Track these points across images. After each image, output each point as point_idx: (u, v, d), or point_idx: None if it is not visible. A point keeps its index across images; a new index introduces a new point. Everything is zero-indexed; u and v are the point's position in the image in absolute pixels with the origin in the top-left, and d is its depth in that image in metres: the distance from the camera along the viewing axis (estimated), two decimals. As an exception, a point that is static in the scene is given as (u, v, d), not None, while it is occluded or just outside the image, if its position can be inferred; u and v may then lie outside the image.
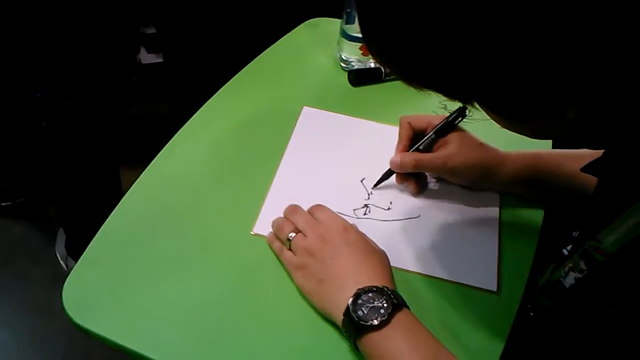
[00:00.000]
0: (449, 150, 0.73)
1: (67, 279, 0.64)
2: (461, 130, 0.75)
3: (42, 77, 1.25)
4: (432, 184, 0.78)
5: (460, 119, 0.74)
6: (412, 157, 0.74)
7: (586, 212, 0.59)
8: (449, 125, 0.74)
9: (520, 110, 0.43)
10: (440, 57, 0.41)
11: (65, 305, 0.62)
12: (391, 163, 0.75)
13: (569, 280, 0.56)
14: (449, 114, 0.76)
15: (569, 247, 0.60)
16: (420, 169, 0.75)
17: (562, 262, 0.58)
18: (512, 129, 0.47)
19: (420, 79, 0.44)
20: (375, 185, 0.77)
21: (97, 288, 0.64)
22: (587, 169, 0.54)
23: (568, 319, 0.56)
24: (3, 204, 1.70)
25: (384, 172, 0.77)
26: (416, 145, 0.75)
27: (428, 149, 0.75)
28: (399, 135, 0.77)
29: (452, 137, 0.74)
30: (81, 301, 0.63)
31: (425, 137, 0.75)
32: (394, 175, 0.77)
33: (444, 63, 0.41)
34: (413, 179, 0.76)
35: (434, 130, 0.75)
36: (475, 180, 0.75)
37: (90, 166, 1.39)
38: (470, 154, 0.73)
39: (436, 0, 0.38)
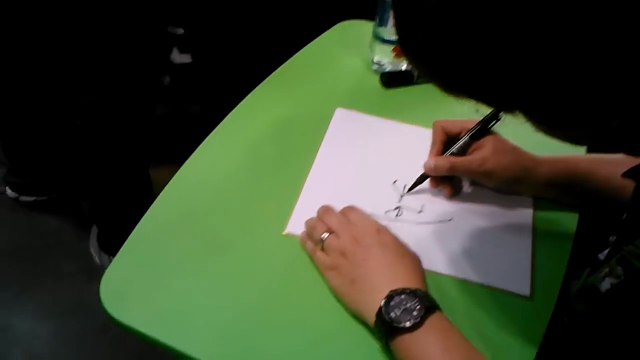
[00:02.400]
0: (484, 153, 0.73)
1: (104, 274, 0.66)
2: (495, 134, 0.75)
3: (73, 73, 1.28)
4: (466, 187, 0.78)
5: (494, 122, 0.74)
6: (446, 160, 0.74)
7: (624, 217, 0.58)
8: (483, 129, 0.74)
9: (564, 119, 0.43)
10: (483, 66, 0.40)
11: (103, 299, 0.63)
12: (425, 167, 0.75)
13: (605, 285, 0.55)
14: (481, 117, 0.75)
15: (605, 252, 0.59)
16: (455, 172, 0.75)
17: (598, 267, 0.58)
18: (552, 136, 0.47)
19: (461, 88, 0.44)
20: (409, 190, 0.77)
21: (133, 283, 0.66)
22: (628, 173, 0.54)
23: (603, 325, 0.55)
24: (38, 198, 1.74)
25: (417, 176, 0.77)
26: (450, 149, 0.75)
27: (462, 152, 0.75)
28: (433, 139, 0.77)
29: (486, 141, 0.74)
30: (117, 296, 0.64)
31: (460, 141, 0.75)
32: (427, 180, 0.77)
33: (486, 72, 0.40)
34: (447, 182, 0.76)
35: (468, 134, 0.75)
36: (510, 183, 0.74)
37: (121, 163, 1.42)
38: (504, 156, 0.73)
39: (480, 9, 0.38)
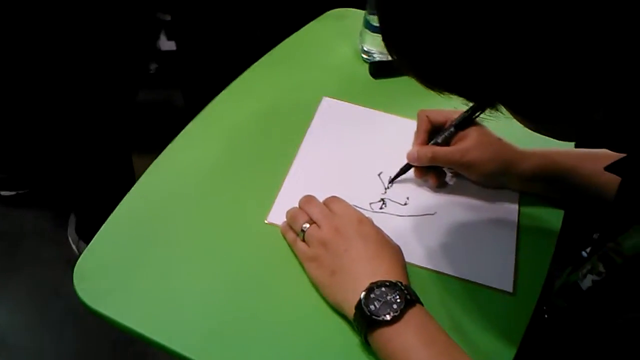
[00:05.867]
0: (467, 144, 0.72)
1: (78, 261, 0.65)
2: (480, 125, 0.74)
3: (58, 60, 1.25)
4: (449, 178, 0.77)
5: (480, 112, 0.73)
6: (429, 149, 0.73)
7: (607, 214, 0.58)
8: (468, 120, 0.73)
9: (547, 112, 0.42)
10: (462, 58, 0.40)
11: (76, 287, 0.62)
12: (408, 156, 0.74)
13: (586, 282, 0.55)
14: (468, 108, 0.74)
15: (588, 250, 0.59)
16: (437, 163, 0.74)
17: (581, 264, 0.57)
18: (538, 131, 0.46)
19: (441, 82, 0.43)
20: (392, 180, 0.76)
21: (108, 271, 0.64)
22: (610, 168, 0.53)
23: (583, 322, 0.55)
24: (20, 192, 1.71)
25: (401, 166, 0.76)
26: (434, 139, 0.74)
27: (446, 143, 0.74)
28: (417, 129, 0.76)
29: (471, 132, 0.73)
30: (91, 283, 0.63)
31: (444, 131, 0.74)
32: (412, 171, 0.76)
33: (465, 64, 0.40)
34: (432, 172, 0.75)
35: (452, 124, 0.74)
36: (492, 175, 0.73)
37: (101, 149, 1.40)
38: (488, 148, 0.72)
39: (460, 2, 0.37)
